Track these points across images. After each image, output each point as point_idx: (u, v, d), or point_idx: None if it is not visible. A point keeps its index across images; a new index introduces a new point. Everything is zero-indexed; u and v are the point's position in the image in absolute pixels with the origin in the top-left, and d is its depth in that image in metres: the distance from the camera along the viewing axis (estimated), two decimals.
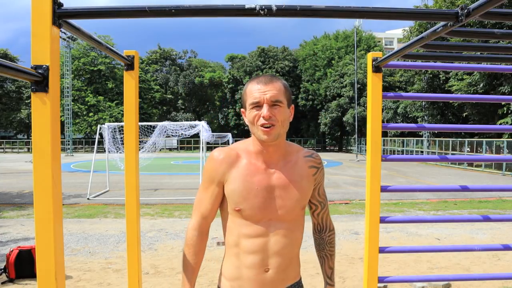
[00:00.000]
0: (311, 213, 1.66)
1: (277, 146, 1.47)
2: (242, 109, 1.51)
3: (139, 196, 2.13)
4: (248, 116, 1.44)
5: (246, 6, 1.32)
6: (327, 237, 1.67)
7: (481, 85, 20.62)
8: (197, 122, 12.10)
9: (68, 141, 37.82)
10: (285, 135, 1.49)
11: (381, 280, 2.33)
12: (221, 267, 1.59)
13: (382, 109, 2.39)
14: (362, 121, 32.83)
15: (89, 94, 44.81)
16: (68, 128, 37.68)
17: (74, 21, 1.42)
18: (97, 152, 12.78)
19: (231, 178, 1.46)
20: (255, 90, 1.41)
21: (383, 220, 2.32)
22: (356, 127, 31.32)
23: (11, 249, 4.56)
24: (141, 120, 35.10)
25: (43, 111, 1.25)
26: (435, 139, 26.16)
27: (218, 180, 1.49)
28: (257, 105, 1.40)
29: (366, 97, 31.04)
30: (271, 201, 1.46)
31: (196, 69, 51.65)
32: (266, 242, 1.46)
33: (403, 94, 2.51)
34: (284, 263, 1.49)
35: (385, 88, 32.18)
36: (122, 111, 29.75)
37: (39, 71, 1.23)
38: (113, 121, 30.79)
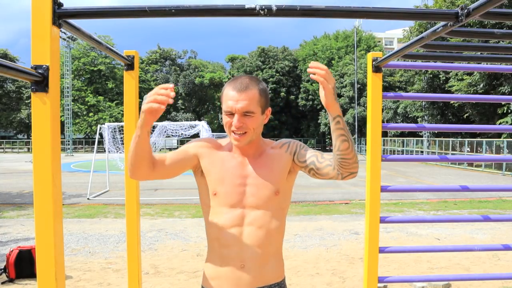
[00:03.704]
0: (315, 172, 1.50)
1: (251, 144, 1.52)
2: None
3: (139, 196, 2.13)
4: (223, 119, 1.49)
5: (246, 6, 1.32)
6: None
7: (481, 85, 20.63)
8: (197, 122, 12.10)
9: (68, 141, 37.81)
10: (260, 135, 1.55)
11: (381, 280, 2.33)
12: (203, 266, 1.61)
13: (382, 109, 2.39)
14: (362, 121, 32.85)
15: (89, 94, 44.81)
16: (68, 128, 37.66)
17: (74, 21, 1.42)
18: (97, 152, 12.77)
19: (210, 161, 1.53)
20: (229, 97, 1.42)
21: (383, 220, 2.32)
22: (356, 127, 31.33)
23: (11, 249, 4.56)
24: None
25: (43, 111, 1.25)
26: (435, 139, 26.16)
27: (192, 153, 1.53)
28: (230, 113, 1.43)
29: (366, 97, 31.04)
30: (244, 188, 1.50)
31: (196, 69, 51.65)
32: (240, 232, 1.47)
33: (403, 94, 2.52)
34: (261, 259, 1.49)
35: (385, 88, 32.16)
36: (122, 111, 29.72)
37: (39, 71, 1.23)
38: (113, 121, 30.73)
